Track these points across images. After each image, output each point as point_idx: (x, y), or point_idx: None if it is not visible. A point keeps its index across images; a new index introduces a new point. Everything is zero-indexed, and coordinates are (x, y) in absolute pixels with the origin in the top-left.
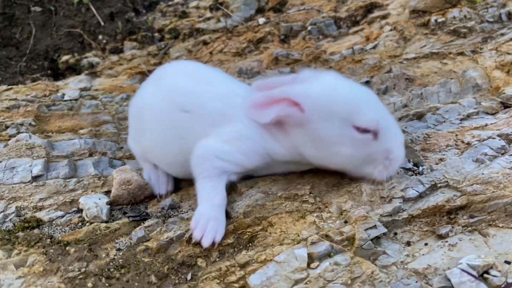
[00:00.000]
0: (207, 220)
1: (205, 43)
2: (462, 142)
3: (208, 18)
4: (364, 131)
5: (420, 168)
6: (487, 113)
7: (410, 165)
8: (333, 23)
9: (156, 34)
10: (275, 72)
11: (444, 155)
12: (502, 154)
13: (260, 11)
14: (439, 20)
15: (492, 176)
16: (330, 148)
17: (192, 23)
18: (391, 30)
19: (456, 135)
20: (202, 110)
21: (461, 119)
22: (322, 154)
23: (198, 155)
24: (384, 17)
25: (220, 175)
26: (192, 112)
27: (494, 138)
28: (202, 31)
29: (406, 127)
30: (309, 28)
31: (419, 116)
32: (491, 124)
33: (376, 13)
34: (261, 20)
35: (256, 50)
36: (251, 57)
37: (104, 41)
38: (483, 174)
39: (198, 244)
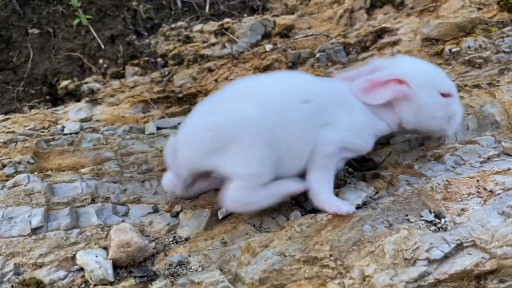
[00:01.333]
0: (339, 202)
1: (210, 70)
2: (485, 189)
3: (213, 44)
4: (447, 95)
5: (442, 220)
6: (509, 155)
7: (431, 217)
8: (343, 49)
9: (159, 59)
10: None
11: (466, 204)
12: None
13: (266, 36)
14: (454, 50)
15: None
16: (429, 114)
17: (197, 49)
18: None
19: (478, 180)
20: (321, 98)
21: (482, 162)
22: (421, 120)
23: (326, 149)
24: (395, 43)
25: (336, 165)
26: (312, 101)
27: None
28: (207, 57)
29: (424, 170)
30: (317, 55)
31: (437, 157)
32: None
33: (387, 38)
34: (268, 46)
35: None
36: None
37: (105, 65)
38: None
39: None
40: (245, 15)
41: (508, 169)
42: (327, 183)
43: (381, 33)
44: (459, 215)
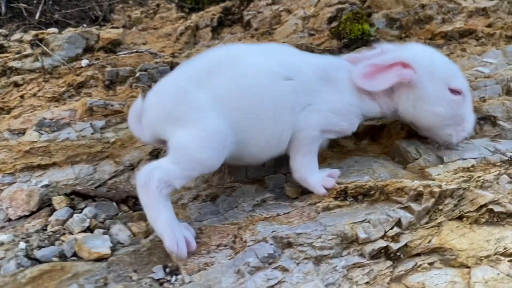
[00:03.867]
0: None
1: (16, 84)
2: (241, 239)
3: (26, 56)
4: (457, 92)
5: (174, 278)
6: (289, 197)
7: (161, 274)
8: (169, 69)
9: None
10: (87, 124)
11: (213, 258)
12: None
13: (89, 50)
14: None
15: None
16: (428, 107)
17: (6, 60)
18: None
19: (240, 228)
20: (305, 75)
21: (255, 205)
22: (418, 112)
23: (308, 134)
24: None
25: (318, 146)
26: (295, 78)
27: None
28: (16, 70)
29: (192, 213)
30: (138, 74)
31: (213, 198)
32: None
33: None
34: (84, 62)
35: (77, 96)
36: (70, 103)
37: None
38: None
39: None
40: (84, 25)
41: (277, 215)
42: (312, 165)
43: None
44: (199, 271)
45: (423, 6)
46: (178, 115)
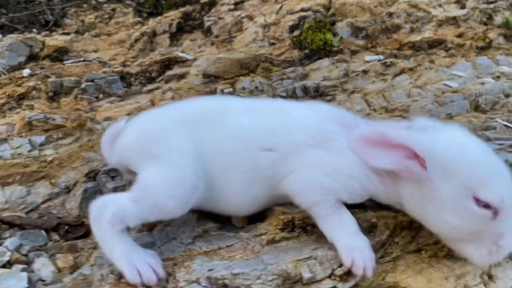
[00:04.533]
0: (360, 252)
1: None
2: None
3: None
4: (485, 206)
5: None
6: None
7: None
8: (119, 79)
9: None
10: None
11: None
12: None
13: (33, 59)
14: (226, 91)
15: None
16: (438, 213)
17: None
18: (172, 97)
19: (175, 264)
20: (287, 146)
21: (195, 237)
22: (425, 214)
23: (307, 200)
24: (181, 76)
25: (340, 205)
26: (275, 149)
27: None
28: None
29: None
30: (83, 85)
31: None
32: None
33: (176, 70)
34: (26, 71)
35: (18, 108)
36: (10, 116)
37: None
38: None
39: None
40: (34, 30)
41: (219, 248)
42: (339, 226)
43: (169, 63)
44: None
45: (390, 14)
46: (155, 151)
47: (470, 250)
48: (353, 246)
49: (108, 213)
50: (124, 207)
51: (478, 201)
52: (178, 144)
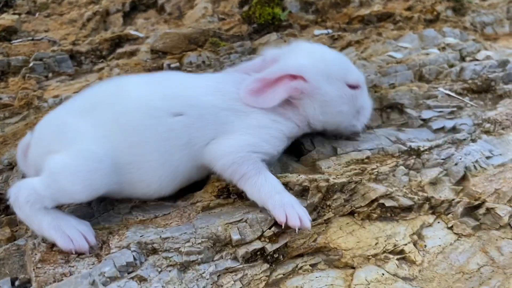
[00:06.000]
0: (291, 206)
1: None
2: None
3: None
4: (354, 87)
5: None
6: None
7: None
8: (68, 58)
9: None
10: None
11: (71, 268)
12: None
13: None
14: (173, 65)
15: None
16: (334, 109)
17: None
18: (118, 74)
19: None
20: (198, 109)
21: None
22: (328, 117)
23: (229, 160)
24: (132, 53)
25: (262, 165)
26: (186, 113)
27: None
28: None
29: None
30: (31, 63)
31: None
32: None
33: (126, 47)
34: None
35: None
36: None
37: None
38: None
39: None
40: None
41: (155, 217)
42: (266, 185)
43: (120, 41)
44: (54, 282)
45: None
46: (55, 147)
47: (353, 123)
48: (283, 202)
49: (23, 195)
50: (37, 189)
51: (350, 86)
52: (77, 132)
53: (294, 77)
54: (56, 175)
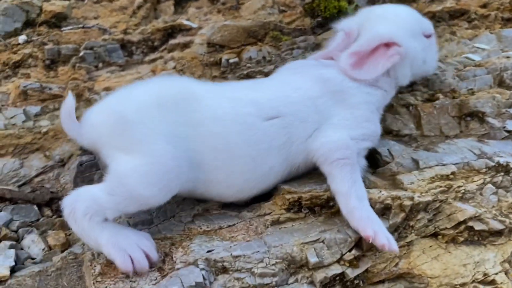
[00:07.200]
0: (377, 221)
1: None
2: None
3: None
4: (429, 36)
5: None
6: None
7: None
8: (119, 47)
9: None
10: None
11: (135, 283)
12: None
13: (30, 24)
14: (232, 61)
15: None
16: (421, 61)
17: None
18: (174, 67)
19: (173, 244)
20: (294, 106)
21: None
22: (415, 71)
23: (332, 147)
24: (185, 45)
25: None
26: (281, 115)
27: None
28: None
29: None
30: (82, 53)
31: None
32: None
33: (179, 39)
34: (21, 38)
35: (14, 76)
36: (6, 84)
37: None
38: None
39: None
40: None
41: (220, 228)
42: (358, 193)
43: (173, 31)
44: None
45: None
46: (119, 144)
47: (428, 67)
48: (370, 216)
49: (81, 207)
50: (98, 200)
51: (426, 36)
52: (141, 131)
53: (387, 45)
54: (125, 179)
